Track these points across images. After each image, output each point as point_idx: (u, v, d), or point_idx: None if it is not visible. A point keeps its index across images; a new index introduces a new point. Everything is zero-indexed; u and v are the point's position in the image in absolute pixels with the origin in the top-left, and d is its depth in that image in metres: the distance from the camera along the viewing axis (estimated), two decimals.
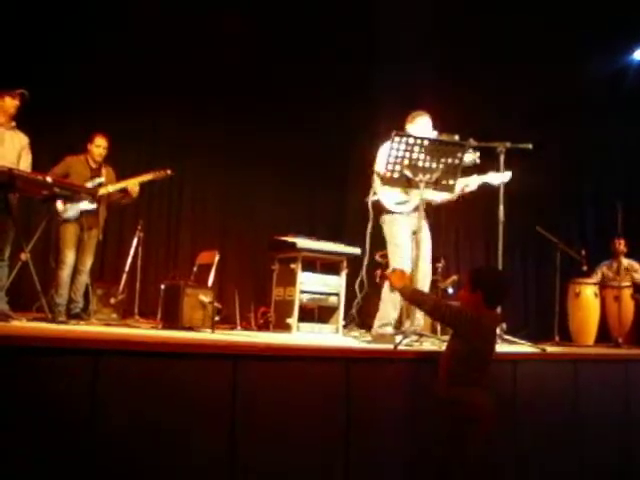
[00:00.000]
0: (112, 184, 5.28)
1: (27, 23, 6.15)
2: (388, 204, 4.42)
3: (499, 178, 4.41)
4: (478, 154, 4.33)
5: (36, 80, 5.25)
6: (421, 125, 4.45)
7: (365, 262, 4.60)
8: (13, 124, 4.80)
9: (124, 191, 5.31)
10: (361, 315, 5.37)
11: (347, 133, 7.55)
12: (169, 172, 5.43)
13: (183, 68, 6.92)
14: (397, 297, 4.22)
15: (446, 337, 3.58)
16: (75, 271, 5.10)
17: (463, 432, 2.83)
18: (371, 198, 4.43)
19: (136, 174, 5.37)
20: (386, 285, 4.41)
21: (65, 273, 5.01)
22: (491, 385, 2.95)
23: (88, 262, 5.19)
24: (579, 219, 9.17)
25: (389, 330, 4.23)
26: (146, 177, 5.33)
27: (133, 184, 5.25)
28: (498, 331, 3.72)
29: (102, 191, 5.16)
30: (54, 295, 4.94)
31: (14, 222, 4.51)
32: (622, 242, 6.79)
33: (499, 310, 3.22)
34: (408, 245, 4.36)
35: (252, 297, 6.61)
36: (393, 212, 4.41)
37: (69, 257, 5.02)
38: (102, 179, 5.22)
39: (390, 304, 4.31)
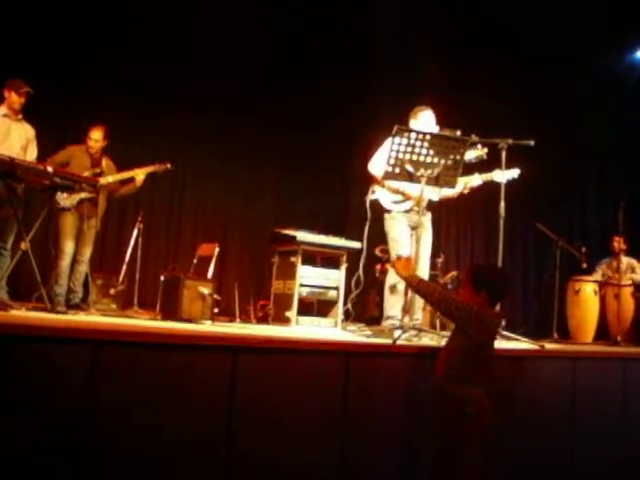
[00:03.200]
0: (112, 175, 5.27)
1: (32, 17, 6.14)
2: (386, 203, 4.45)
3: (505, 175, 4.37)
4: (486, 150, 4.32)
5: (40, 74, 5.23)
6: (424, 120, 4.44)
7: (362, 259, 4.61)
8: (20, 116, 4.85)
9: (124, 182, 5.33)
10: (357, 310, 5.38)
11: (351, 128, 7.53)
12: (169, 166, 5.46)
13: (185, 62, 6.90)
14: (399, 291, 4.23)
15: (445, 332, 3.58)
16: (74, 261, 5.11)
17: (461, 428, 2.83)
18: (370, 197, 4.45)
19: (137, 165, 5.38)
20: (387, 280, 4.42)
21: (65, 262, 5.01)
22: (491, 383, 2.94)
23: (87, 252, 5.19)
24: (580, 216, 9.16)
25: (394, 324, 4.23)
26: (147, 169, 5.35)
27: (135, 175, 5.27)
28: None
29: (102, 181, 5.16)
30: (54, 285, 4.93)
31: (15, 212, 4.50)
32: (621, 240, 6.75)
33: (498, 307, 3.21)
34: (407, 241, 4.38)
35: (252, 290, 6.60)
36: (391, 210, 4.44)
37: (68, 246, 5.02)
38: (100, 170, 5.21)
39: (392, 298, 4.31)
